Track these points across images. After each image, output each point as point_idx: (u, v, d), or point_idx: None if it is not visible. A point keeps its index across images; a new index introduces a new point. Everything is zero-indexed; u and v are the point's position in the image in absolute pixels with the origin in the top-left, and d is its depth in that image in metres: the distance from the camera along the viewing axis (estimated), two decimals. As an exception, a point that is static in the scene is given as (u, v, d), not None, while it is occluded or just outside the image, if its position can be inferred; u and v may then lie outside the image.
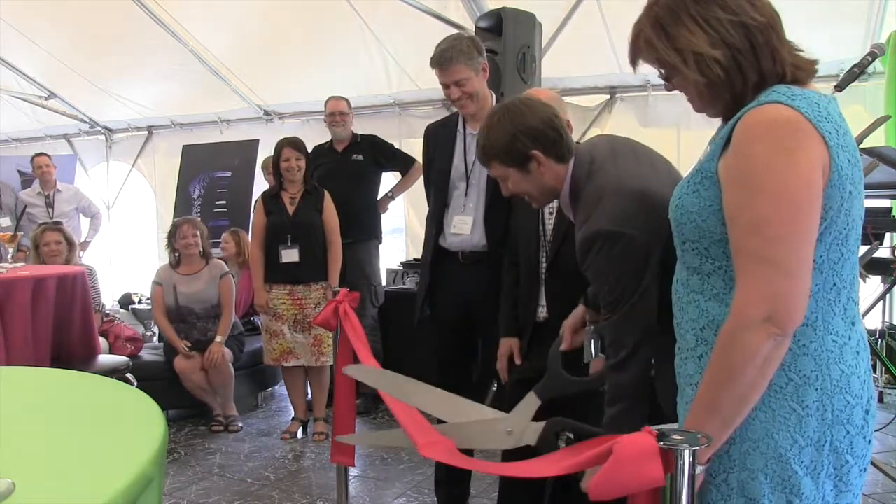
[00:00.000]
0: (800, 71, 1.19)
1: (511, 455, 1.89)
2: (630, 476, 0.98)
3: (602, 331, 1.71)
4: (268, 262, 3.93)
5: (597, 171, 1.72)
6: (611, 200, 1.64)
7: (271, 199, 3.97)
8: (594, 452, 1.05)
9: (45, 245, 4.18)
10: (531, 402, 1.87)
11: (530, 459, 1.31)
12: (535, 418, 1.63)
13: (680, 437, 0.98)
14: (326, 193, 3.96)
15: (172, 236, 4.33)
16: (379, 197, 4.63)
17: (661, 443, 0.98)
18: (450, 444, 1.37)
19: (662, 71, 1.25)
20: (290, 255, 3.86)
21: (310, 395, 4.17)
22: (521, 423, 1.61)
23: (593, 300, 2.03)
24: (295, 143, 3.94)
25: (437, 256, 2.74)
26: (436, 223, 2.74)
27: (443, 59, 2.58)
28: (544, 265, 2.30)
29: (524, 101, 1.84)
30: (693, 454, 0.98)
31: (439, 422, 1.72)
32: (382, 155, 4.54)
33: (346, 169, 4.35)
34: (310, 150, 4.15)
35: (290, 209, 3.91)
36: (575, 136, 2.30)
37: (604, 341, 1.91)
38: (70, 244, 4.29)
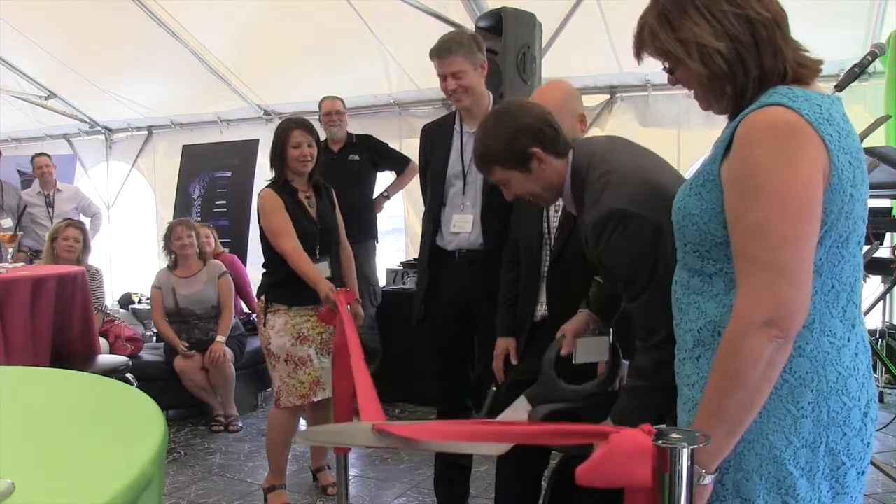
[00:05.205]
0: (803, 69, 1.19)
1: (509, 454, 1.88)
2: (619, 470, 0.99)
3: (630, 314, 1.67)
4: (289, 281, 2.98)
5: (598, 162, 1.72)
6: (620, 185, 1.64)
7: (288, 197, 3.04)
8: (584, 429, 1.07)
9: (65, 240, 4.18)
10: (521, 406, 1.86)
11: (514, 425, 1.30)
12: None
13: (678, 437, 0.98)
14: (333, 190, 3.34)
15: (168, 238, 4.33)
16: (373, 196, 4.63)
17: (660, 441, 0.98)
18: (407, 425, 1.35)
19: (666, 63, 1.26)
20: (321, 271, 3.10)
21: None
22: None
23: (596, 302, 2.03)
24: (306, 125, 3.07)
25: (433, 256, 2.75)
26: (432, 222, 2.74)
27: (442, 50, 2.59)
28: (546, 263, 2.29)
29: (515, 103, 1.85)
30: (691, 453, 0.98)
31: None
32: (378, 155, 4.54)
33: (343, 169, 4.34)
34: None
35: (312, 213, 3.10)
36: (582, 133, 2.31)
37: (615, 345, 1.90)
38: (86, 246, 4.29)
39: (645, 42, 1.27)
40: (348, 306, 2.75)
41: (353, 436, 1.50)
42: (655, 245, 1.56)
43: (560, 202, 2.23)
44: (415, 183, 3.74)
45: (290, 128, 3.03)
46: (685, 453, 0.97)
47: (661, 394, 1.55)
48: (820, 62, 1.22)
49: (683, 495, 0.98)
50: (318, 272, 2.94)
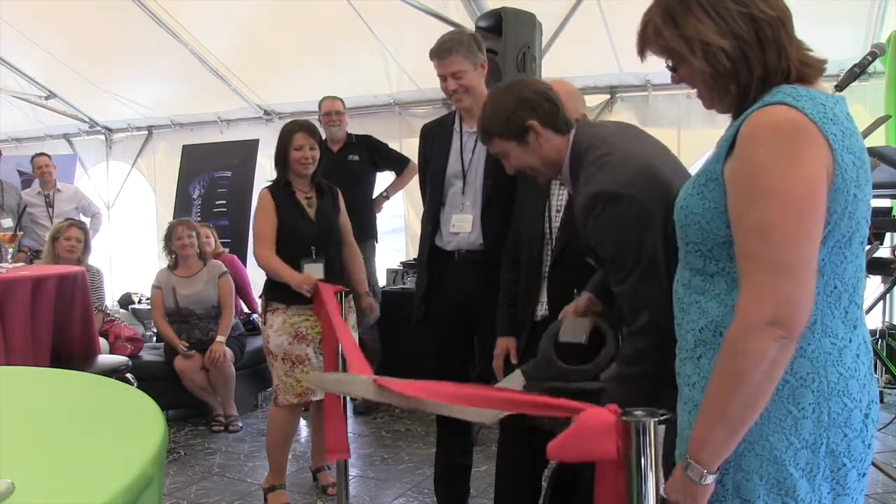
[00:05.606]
0: (807, 68, 1.19)
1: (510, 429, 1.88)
2: (587, 444, 1.06)
3: (617, 298, 1.71)
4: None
5: (599, 144, 1.75)
6: (613, 167, 1.67)
7: (285, 197, 3.09)
8: (560, 404, 1.13)
9: (67, 240, 4.17)
10: (516, 378, 1.88)
11: (504, 391, 1.36)
12: None
13: (642, 413, 1.04)
14: (339, 191, 3.33)
15: (168, 238, 4.33)
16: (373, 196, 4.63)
17: (623, 417, 1.04)
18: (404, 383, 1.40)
19: (669, 61, 1.26)
20: (314, 270, 3.07)
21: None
22: None
23: (601, 286, 2.03)
24: (309, 128, 3.10)
25: (432, 256, 2.75)
26: (432, 222, 2.74)
27: (441, 50, 2.60)
28: (548, 263, 2.29)
29: (519, 79, 1.91)
30: (653, 425, 1.02)
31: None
32: (378, 155, 4.54)
33: (343, 169, 4.33)
34: None
35: (311, 213, 3.12)
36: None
37: (616, 329, 1.90)
38: (87, 246, 4.29)
39: (649, 39, 1.26)
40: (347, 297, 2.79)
41: (354, 386, 1.52)
42: (642, 229, 1.58)
43: (562, 202, 2.23)
44: (415, 183, 3.76)
45: (293, 130, 3.08)
46: (648, 425, 1.02)
47: (648, 381, 1.58)
48: (824, 61, 1.21)
49: (649, 468, 1.03)
50: (289, 270, 2.98)
